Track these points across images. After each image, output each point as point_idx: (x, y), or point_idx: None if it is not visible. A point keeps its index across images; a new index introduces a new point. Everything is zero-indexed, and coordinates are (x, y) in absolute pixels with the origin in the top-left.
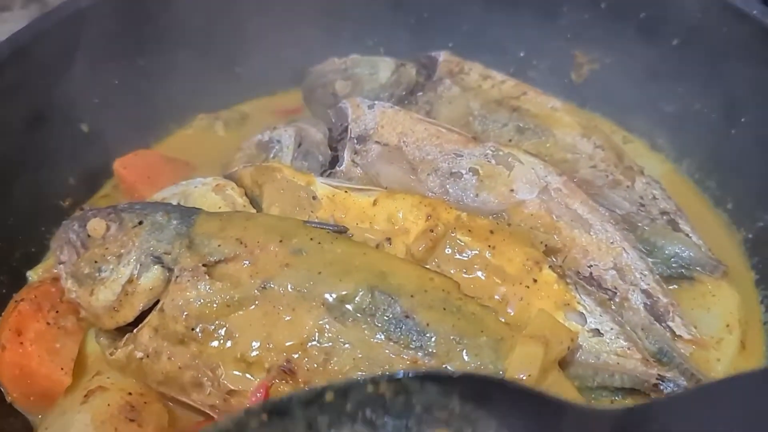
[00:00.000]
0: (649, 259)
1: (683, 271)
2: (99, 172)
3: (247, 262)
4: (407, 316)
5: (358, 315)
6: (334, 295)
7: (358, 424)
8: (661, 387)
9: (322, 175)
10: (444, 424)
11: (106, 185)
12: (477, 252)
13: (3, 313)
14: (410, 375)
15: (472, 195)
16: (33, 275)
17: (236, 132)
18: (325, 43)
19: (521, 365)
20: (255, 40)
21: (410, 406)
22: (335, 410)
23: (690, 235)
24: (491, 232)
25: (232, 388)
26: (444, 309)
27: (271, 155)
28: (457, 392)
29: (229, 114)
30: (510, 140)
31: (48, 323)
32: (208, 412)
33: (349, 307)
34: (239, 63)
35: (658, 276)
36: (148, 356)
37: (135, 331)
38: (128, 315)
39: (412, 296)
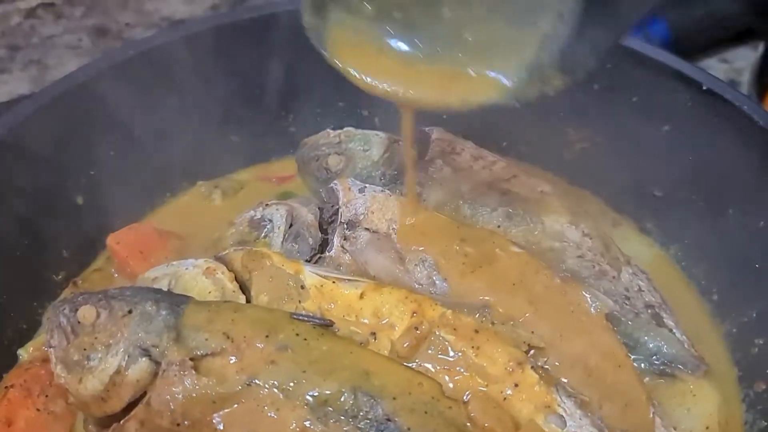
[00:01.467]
0: (632, 356)
1: (665, 368)
2: (92, 244)
3: (234, 359)
4: (389, 419)
5: (341, 416)
6: (317, 395)
7: None
8: None
9: (311, 259)
10: None
11: (99, 258)
12: (461, 351)
13: None
14: None
15: None
16: (23, 353)
17: (231, 201)
18: (320, 111)
19: None
20: (250, 108)
21: None
22: None
23: (674, 330)
24: (476, 331)
25: None
26: (426, 413)
27: (263, 235)
28: None
29: (227, 183)
30: (498, 226)
31: (38, 409)
32: None
33: (330, 408)
34: (234, 132)
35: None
36: None
37: (122, 422)
38: (115, 406)
39: (394, 398)
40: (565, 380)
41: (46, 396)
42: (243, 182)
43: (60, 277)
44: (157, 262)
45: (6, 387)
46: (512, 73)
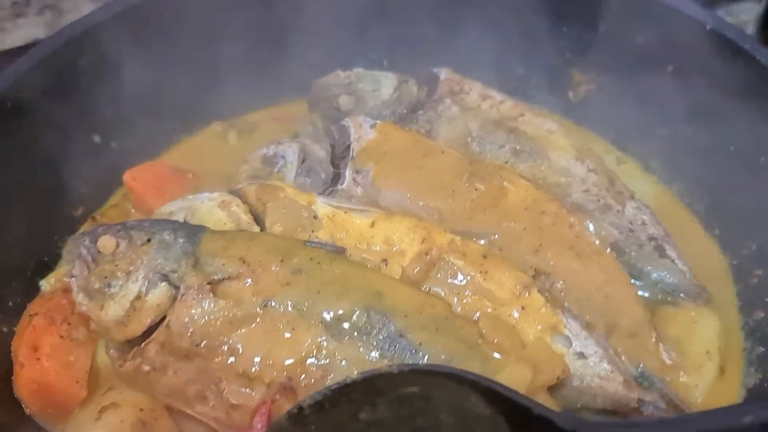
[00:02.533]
0: (636, 283)
1: (668, 296)
2: (110, 181)
3: (250, 281)
4: (401, 336)
5: (355, 333)
6: (331, 314)
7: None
8: (642, 409)
9: (323, 192)
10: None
11: (116, 194)
12: (469, 275)
13: (18, 328)
14: (413, 369)
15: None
16: (45, 284)
17: (245, 141)
18: (330, 55)
19: (508, 385)
20: (263, 51)
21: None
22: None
23: (676, 261)
24: (484, 256)
25: (234, 402)
26: (436, 329)
27: (275, 170)
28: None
29: (241, 123)
30: (506, 162)
31: (61, 336)
32: (212, 424)
33: (345, 325)
34: (248, 74)
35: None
36: (155, 370)
37: (143, 345)
38: (136, 330)
39: (406, 316)
40: (570, 304)
41: (69, 324)
42: (256, 123)
43: (79, 212)
44: (173, 198)
45: (30, 315)
46: None
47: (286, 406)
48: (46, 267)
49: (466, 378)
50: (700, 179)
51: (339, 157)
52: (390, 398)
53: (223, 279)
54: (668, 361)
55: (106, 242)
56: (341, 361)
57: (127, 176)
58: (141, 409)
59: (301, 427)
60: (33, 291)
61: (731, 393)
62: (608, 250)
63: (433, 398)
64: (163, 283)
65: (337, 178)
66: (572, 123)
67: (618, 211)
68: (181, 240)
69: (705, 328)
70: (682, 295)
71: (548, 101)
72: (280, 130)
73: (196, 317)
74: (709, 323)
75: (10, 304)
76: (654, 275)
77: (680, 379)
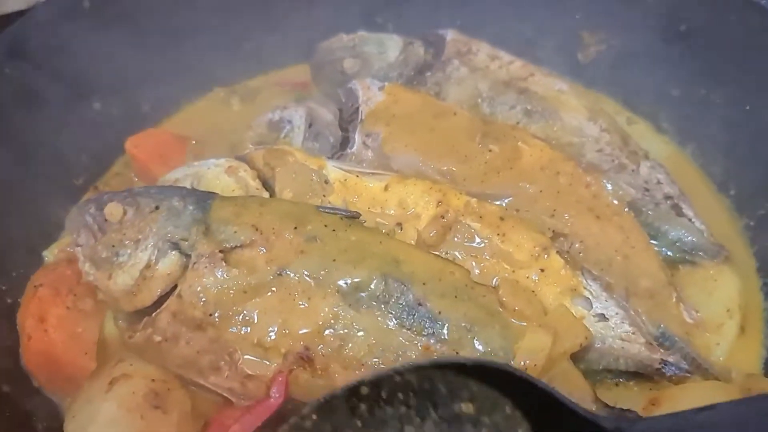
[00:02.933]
0: (654, 243)
1: (686, 255)
2: (111, 150)
3: (263, 249)
4: (420, 304)
5: (372, 302)
6: (348, 282)
7: (393, 405)
8: (664, 370)
9: (333, 157)
10: (468, 400)
11: (118, 163)
12: (487, 238)
13: (23, 299)
14: (430, 364)
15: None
16: (48, 255)
17: (247, 107)
18: (334, 18)
19: (529, 353)
20: (264, 15)
21: (435, 388)
22: (371, 398)
23: (693, 220)
24: (501, 218)
25: (250, 372)
26: (456, 297)
27: (282, 135)
28: (474, 376)
29: (242, 89)
30: (518, 123)
31: (68, 307)
32: (226, 395)
33: (363, 294)
34: (248, 38)
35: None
36: (166, 340)
37: (153, 315)
38: (146, 299)
39: (424, 284)
40: (589, 266)
41: (75, 295)
42: (258, 89)
43: (80, 182)
44: (176, 166)
45: (35, 287)
46: None
47: (303, 376)
48: (49, 237)
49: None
50: (714, 140)
51: (347, 120)
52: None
53: (236, 247)
54: (689, 320)
55: (113, 209)
56: (359, 331)
57: (129, 144)
58: (153, 380)
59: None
60: (36, 262)
61: (752, 353)
62: (626, 209)
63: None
64: (174, 252)
65: (346, 142)
66: (581, 85)
67: (633, 171)
68: (191, 207)
69: (725, 286)
70: (700, 253)
71: (557, 63)
72: (282, 95)
73: (208, 286)
74: (728, 281)
75: (14, 274)
76: (672, 234)
77: (701, 338)
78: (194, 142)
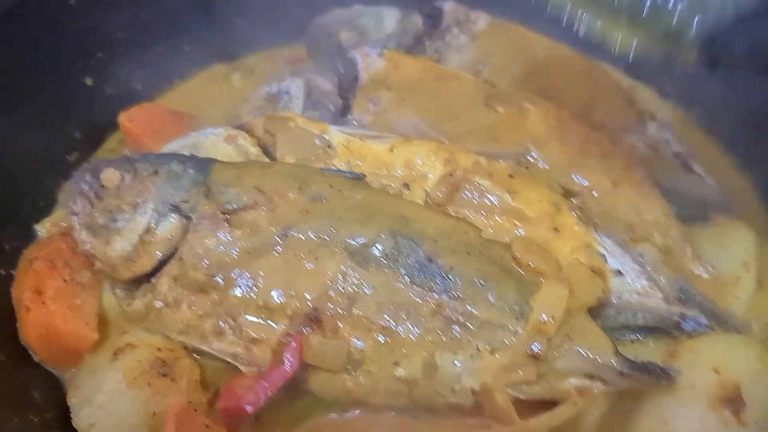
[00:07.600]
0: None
1: (699, 211)
2: (104, 126)
3: (266, 209)
4: (431, 260)
5: (382, 260)
6: (356, 240)
7: None
8: (683, 325)
9: (334, 124)
10: None
11: (111, 139)
12: (497, 196)
13: (17, 273)
14: None
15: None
16: (41, 229)
17: (244, 83)
18: None
19: (546, 306)
20: None
21: None
22: None
23: (704, 176)
24: (510, 176)
25: (254, 336)
26: (468, 253)
27: (280, 106)
28: None
29: (240, 65)
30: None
31: (65, 280)
32: (231, 361)
33: (371, 252)
34: (242, 15)
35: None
36: (167, 305)
37: (153, 280)
38: (146, 265)
39: (435, 240)
40: (603, 222)
41: (71, 268)
42: (254, 65)
43: (73, 157)
44: (172, 140)
45: (29, 260)
46: None
47: (314, 338)
48: (42, 211)
49: None
50: (719, 101)
51: (346, 89)
52: None
53: (238, 208)
54: (705, 275)
55: (110, 175)
56: (368, 289)
57: (122, 118)
58: (159, 349)
59: None
60: (29, 235)
61: None
62: (637, 167)
63: None
64: (174, 214)
65: (347, 109)
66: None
67: (641, 130)
68: (191, 170)
69: (740, 240)
70: (713, 209)
71: (555, 32)
72: (279, 71)
73: (210, 248)
74: (742, 235)
75: (7, 247)
76: (683, 191)
77: (719, 293)
78: (189, 117)
